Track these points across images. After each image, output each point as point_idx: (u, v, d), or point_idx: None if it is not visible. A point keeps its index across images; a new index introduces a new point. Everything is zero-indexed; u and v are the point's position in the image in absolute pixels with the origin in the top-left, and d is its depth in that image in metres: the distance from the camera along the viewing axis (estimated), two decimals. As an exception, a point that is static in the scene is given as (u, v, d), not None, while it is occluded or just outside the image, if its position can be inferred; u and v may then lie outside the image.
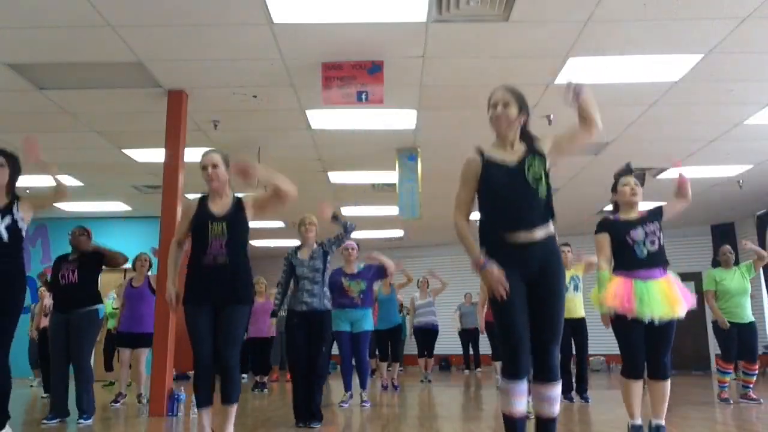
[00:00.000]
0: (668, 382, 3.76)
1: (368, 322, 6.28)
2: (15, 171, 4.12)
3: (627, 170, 4.00)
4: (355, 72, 5.26)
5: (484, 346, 10.69)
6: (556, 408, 2.67)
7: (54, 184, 4.39)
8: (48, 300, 7.19)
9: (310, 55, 5.18)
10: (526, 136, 2.85)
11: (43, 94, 5.88)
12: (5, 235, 3.88)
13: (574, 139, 2.85)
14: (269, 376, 9.20)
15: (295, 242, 5.37)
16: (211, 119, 6.50)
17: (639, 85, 5.78)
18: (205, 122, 6.57)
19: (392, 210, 9.11)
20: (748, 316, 6.27)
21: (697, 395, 6.60)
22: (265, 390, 8.24)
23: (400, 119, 6.60)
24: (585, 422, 5.10)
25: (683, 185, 3.88)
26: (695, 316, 6.09)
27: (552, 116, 6.23)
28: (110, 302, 9.08)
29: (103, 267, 5.47)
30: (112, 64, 5.29)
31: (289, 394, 5.43)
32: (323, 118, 6.55)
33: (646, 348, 3.74)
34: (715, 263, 6.60)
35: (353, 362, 6.28)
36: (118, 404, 6.48)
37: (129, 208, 10.76)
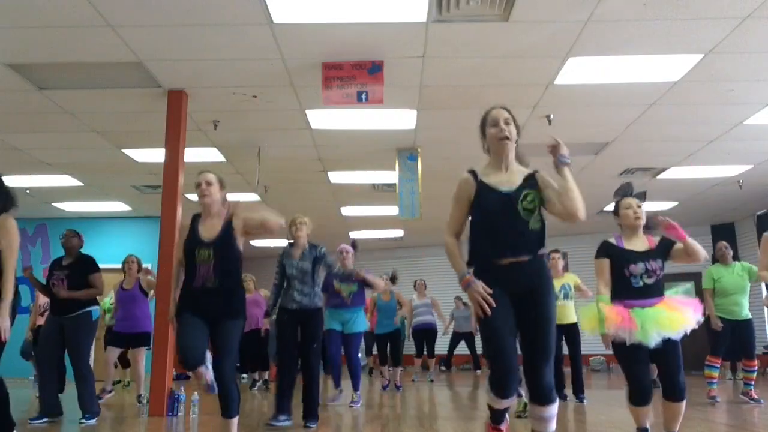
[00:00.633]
0: (684, 402, 3.50)
1: (359, 323, 6.28)
2: None
3: (628, 192, 3.74)
4: (355, 72, 5.26)
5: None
6: (552, 426, 2.70)
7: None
8: (43, 299, 7.17)
9: (310, 55, 5.18)
10: (522, 161, 2.84)
11: (43, 94, 5.88)
12: None
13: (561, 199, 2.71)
14: (268, 373, 9.18)
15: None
16: (211, 119, 6.50)
17: (639, 85, 5.77)
18: (205, 122, 6.57)
19: (392, 210, 9.13)
20: (746, 313, 6.27)
21: (697, 395, 6.59)
22: (266, 388, 8.22)
23: (400, 119, 6.60)
24: (583, 422, 5.11)
25: (686, 243, 3.49)
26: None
27: (552, 116, 6.23)
28: (108, 299, 9.03)
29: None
30: (112, 64, 5.29)
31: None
32: (323, 118, 6.55)
33: (659, 371, 3.56)
34: (714, 261, 6.61)
35: (341, 360, 6.31)
36: (102, 399, 6.32)
37: (129, 208, 10.75)
